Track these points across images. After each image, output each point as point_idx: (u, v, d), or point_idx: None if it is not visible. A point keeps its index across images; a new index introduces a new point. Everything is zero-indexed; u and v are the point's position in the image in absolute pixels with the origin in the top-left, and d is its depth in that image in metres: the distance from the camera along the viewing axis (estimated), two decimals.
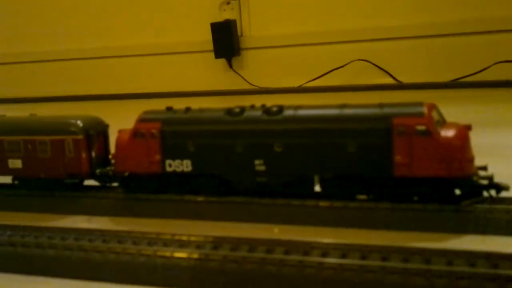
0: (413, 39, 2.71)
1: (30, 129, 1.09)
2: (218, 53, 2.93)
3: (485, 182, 0.88)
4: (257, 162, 0.95)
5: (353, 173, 0.91)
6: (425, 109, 0.87)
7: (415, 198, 0.89)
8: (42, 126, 1.09)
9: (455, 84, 2.54)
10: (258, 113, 0.96)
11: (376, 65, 2.75)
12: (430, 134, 0.84)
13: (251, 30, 2.95)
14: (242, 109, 0.98)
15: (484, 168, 0.90)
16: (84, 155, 1.05)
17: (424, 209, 0.87)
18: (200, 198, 1.00)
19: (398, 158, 0.86)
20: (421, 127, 0.85)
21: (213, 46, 2.92)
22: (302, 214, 0.93)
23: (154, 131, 1.00)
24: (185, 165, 0.99)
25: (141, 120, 1.03)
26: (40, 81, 3.37)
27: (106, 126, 1.13)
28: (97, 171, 1.08)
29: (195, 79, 3.03)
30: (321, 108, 0.95)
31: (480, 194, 0.88)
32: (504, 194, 0.87)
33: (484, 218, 0.84)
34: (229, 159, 0.97)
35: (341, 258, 0.69)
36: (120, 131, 1.06)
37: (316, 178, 0.95)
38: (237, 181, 0.99)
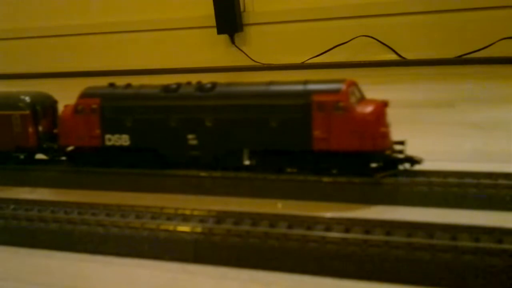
0: (418, 14, 2.67)
1: None
2: (220, 29, 2.89)
3: (401, 156, 0.92)
4: (189, 136, 0.99)
5: (277, 147, 0.95)
6: (343, 86, 0.90)
7: (334, 171, 0.93)
8: None
9: (460, 61, 2.52)
10: (192, 89, 1.00)
11: (380, 41, 2.72)
12: (346, 109, 0.88)
13: (254, 6, 2.91)
14: (178, 86, 1.01)
15: (402, 143, 0.94)
16: (31, 129, 1.09)
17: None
18: (203, 173, 1.00)
19: (317, 132, 0.90)
20: (337, 103, 0.88)
21: (216, 22, 2.88)
22: (305, 189, 0.93)
23: (94, 106, 1.03)
24: (124, 140, 1.03)
25: (83, 96, 1.06)
26: (42, 56, 3.35)
27: (55, 102, 1.16)
28: (44, 145, 1.12)
29: (197, 55, 3.01)
30: (251, 85, 0.99)
31: (396, 167, 0.92)
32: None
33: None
34: (164, 134, 1.00)
35: (344, 233, 0.70)
36: (65, 106, 1.09)
37: (246, 152, 0.98)
38: (172, 155, 1.02)
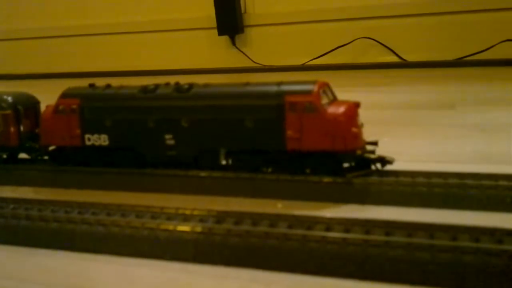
0: (419, 16, 2.67)
1: None
2: (221, 30, 2.90)
3: (373, 156, 0.94)
4: (167, 136, 1.00)
5: (252, 147, 0.96)
6: (315, 87, 0.92)
7: (307, 171, 0.94)
8: None
9: (460, 63, 2.52)
10: (169, 90, 1.01)
11: (381, 43, 2.72)
12: (317, 110, 0.90)
13: (255, 7, 2.91)
14: (156, 87, 1.03)
15: (375, 143, 0.95)
16: (12, 129, 1.11)
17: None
18: (203, 173, 1.00)
19: (289, 133, 0.92)
20: (308, 104, 0.90)
21: (216, 23, 2.89)
22: (305, 190, 0.93)
23: (74, 106, 1.05)
24: (103, 139, 1.04)
25: (63, 96, 1.07)
26: (41, 57, 3.35)
27: (37, 102, 1.17)
28: (27, 144, 1.13)
29: (198, 57, 3.01)
30: (227, 86, 1.01)
31: (369, 167, 0.94)
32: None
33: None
34: (143, 133, 1.02)
35: (344, 233, 0.70)
36: (47, 106, 1.10)
37: (222, 151, 1.00)
38: (150, 155, 1.03)
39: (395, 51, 2.71)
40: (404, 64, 2.68)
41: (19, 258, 0.78)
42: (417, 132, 1.42)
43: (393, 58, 2.72)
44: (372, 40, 2.75)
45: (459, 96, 1.89)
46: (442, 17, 2.63)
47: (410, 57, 2.69)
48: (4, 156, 1.16)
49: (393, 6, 2.69)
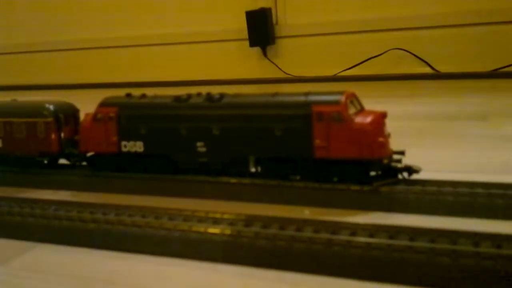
0: (452, 27, 2.66)
1: (9, 112, 1.22)
2: (253, 42, 2.95)
3: (399, 165, 0.96)
4: (198, 144, 1.05)
5: (280, 155, 0.99)
6: (342, 98, 0.94)
7: (335, 179, 0.97)
8: (19, 110, 1.22)
9: (494, 74, 2.49)
10: (201, 100, 1.06)
11: (414, 54, 2.71)
12: (344, 120, 0.93)
13: (287, 18, 2.95)
14: (189, 96, 1.07)
15: (402, 153, 0.96)
16: (53, 135, 1.17)
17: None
18: (233, 180, 1.04)
19: (317, 141, 0.95)
20: (336, 114, 0.93)
21: (248, 35, 2.94)
22: (332, 197, 0.95)
23: (111, 114, 1.11)
24: (138, 146, 1.10)
25: (101, 105, 1.13)
26: (78, 68, 3.48)
27: (77, 110, 1.24)
28: (66, 151, 1.19)
29: (230, 67, 3.07)
30: (256, 96, 1.05)
31: (396, 176, 0.96)
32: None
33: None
34: (175, 141, 1.07)
35: (368, 237, 0.72)
36: (86, 115, 1.16)
37: (252, 159, 1.03)
38: (182, 161, 1.08)
39: (428, 62, 2.70)
40: (436, 75, 2.67)
41: (60, 255, 0.83)
42: (447, 142, 1.42)
43: (425, 69, 2.71)
44: (405, 51, 2.74)
45: (491, 107, 1.88)
46: (476, 28, 2.61)
47: (442, 68, 2.67)
48: (45, 161, 1.22)
49: (426, 17, 2.69)
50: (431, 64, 2.70)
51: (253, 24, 2.90)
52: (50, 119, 1.17)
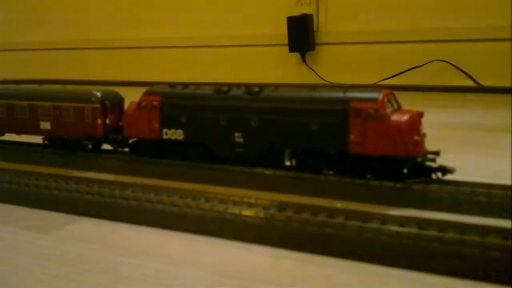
0: (495, 41, 2.62)
1: (58, 97, 1.28)
2: (292, 47, 2.98)
3: (434, 164, 0.96)
4: (236, 134, 1.08)
5: (315, 149, 1.01)
6: (380, 95, 0.95)
7: (369, 176, 0.98)
8: (68, 95, 1.28)
9: None
10: (241, 92, 1.09)
11: (456, 67, 2.68)
12: (381, 117, 0.94)
13: (328, 26, 2.97)
14: (229, 88, 1.11)
15: (437, 153, 0.97)
16: (99, 121, 1.23)
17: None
18: (268, 171, 1.07)
19: (353, 137, 0.97)
20: (373, 111, 0.94)
21: (288, 40, 2.98)
22: (365, 192, 0.97)
23: (155, 103, 1.15)
24: (178, 134, 1.14)
25: (146, 93, 1.18)
26: (127, 66, 3.59)
27: (122, 99, 1.30)
28: (110, 136, 1.25)
29: (268, 72, 3.11)
30: (295, 91, 1.06)
31: (429, 175, 0.96)
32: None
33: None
34: (214, 131, 1.10)
35: (398, 226, 0.73)
36: (131, 103, 1.21)
37: (287, 152, 1.06)
38: (220, 151, 1.11)
39: (471, 75, 2.67)
40: (478, 89, 2.63)
41: (102, 228, 0.88)
42: (484, 152, 1.41)
43: (467, 82, 2.68)
44: (447, 63, 2.72)
45: None
46: None
47: (484, 82, 2.64)
48: (90, 146, 1.29)
49: (469, 30, 2.66)
50: (474, 77, 2.66)
51: (294, 29, 2.94)
52: (97, 105, 1.23)
